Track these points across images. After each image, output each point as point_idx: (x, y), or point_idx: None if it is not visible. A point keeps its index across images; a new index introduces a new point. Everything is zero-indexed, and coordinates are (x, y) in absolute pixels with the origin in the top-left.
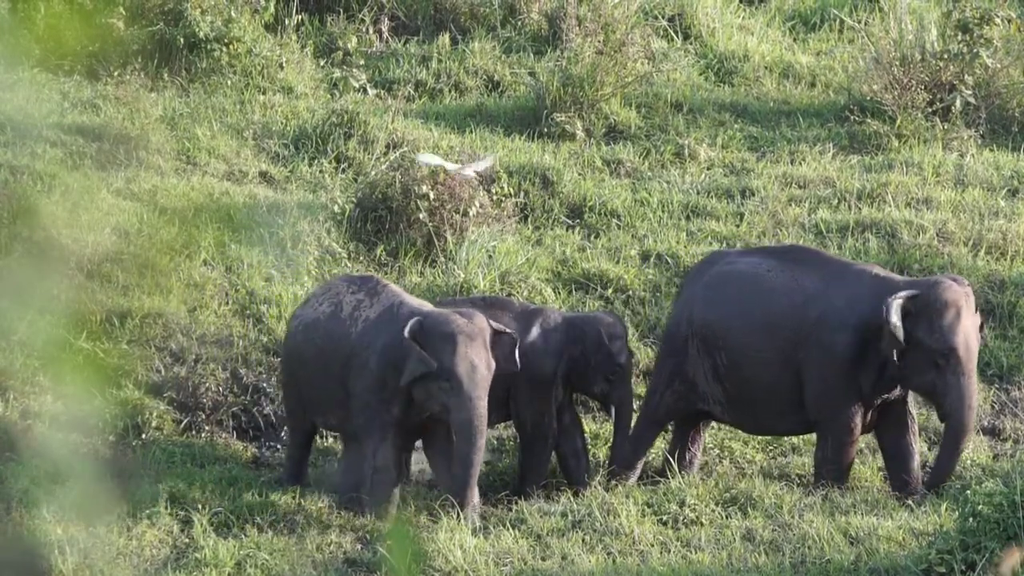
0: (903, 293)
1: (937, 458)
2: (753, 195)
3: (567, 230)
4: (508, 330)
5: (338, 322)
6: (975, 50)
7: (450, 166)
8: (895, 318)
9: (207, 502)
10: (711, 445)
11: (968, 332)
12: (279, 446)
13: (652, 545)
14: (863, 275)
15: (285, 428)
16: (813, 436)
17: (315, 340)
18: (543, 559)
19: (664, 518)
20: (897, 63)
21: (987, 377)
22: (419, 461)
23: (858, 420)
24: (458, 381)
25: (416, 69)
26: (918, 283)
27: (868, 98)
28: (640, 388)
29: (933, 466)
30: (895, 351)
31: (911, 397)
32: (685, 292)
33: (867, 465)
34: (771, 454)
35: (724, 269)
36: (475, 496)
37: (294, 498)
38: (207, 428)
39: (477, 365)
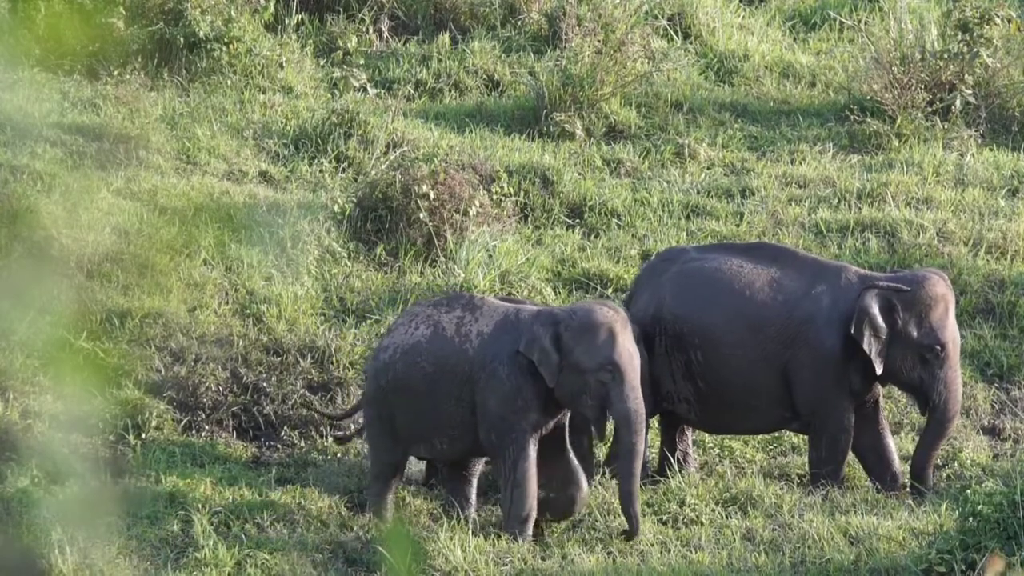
0: (882, 286)
1: (919, 450)
2: (753, 195)
3: (567, 230)
4: None
5: (445, 342)
6: (975, 50)
7: None
8: (875, 310)
9: (207, 502)
10: (711, 445)
11: (955, 326)
12: (279, 445)
13: (652, 545)
14: (843, 273)
15: (368, 459)
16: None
17: (420, 365)
18: (543, 559)
19: (664, 517)
20: (897, 63)
21: (987, 377)
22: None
23: (851, 417)
24: (621, 372)
25: (416, 69)
26: (902, 278)
27: (868, 98)
28: None
29: (914, 459)
30: (874, 344)
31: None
32: (645, 290)
33: None
34: (771, 454)
35: (691, 266)
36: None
37: (294, 498)
38: (207, 428)
39: (634, 354)
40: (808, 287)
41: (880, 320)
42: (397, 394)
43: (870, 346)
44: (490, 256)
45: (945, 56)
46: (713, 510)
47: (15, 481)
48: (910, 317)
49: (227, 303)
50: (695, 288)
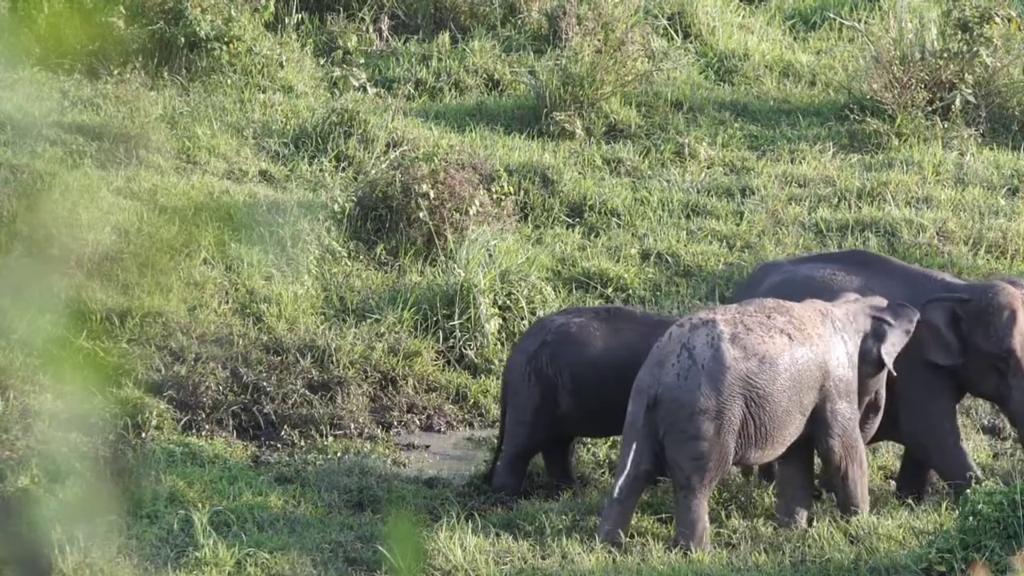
0: (945, 297)
1: None
2: (753, 194)
3: (567, 229)
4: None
5: (799, 348)
6: (975, 49)
7: None
8: (940, 323)
9: (207, 501)
10: None
11: None
12: (279, 445)
13: (653, 543)
14: (930, 281)
15: (693, 483)
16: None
17: (785, 373)
18: (543, 558)
19: (665, 516)
20: (897, 62)
21: None
22: (420, 459)
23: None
24: None
25: (416, 68)
26: (971, 287)
27: (868, 97)
28: None
29: None
30: (945, 356)
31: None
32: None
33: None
34: None
35: (783, 279)
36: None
37: (294, 497)
38: (207, 427)
39: None
40: (896, 295)
41: (947, 333)
42: (753, 401)
43: (936, 357)
44: (490, 255)
45: (945, 55)
46: (713, 509)
47: (15, 480)
48: (976, 327)
49: (227, 302)
50: (790, 298)
